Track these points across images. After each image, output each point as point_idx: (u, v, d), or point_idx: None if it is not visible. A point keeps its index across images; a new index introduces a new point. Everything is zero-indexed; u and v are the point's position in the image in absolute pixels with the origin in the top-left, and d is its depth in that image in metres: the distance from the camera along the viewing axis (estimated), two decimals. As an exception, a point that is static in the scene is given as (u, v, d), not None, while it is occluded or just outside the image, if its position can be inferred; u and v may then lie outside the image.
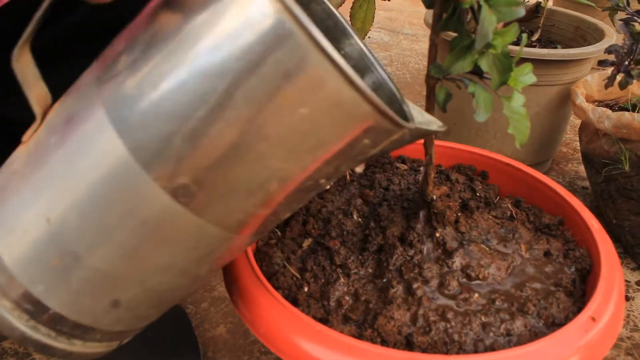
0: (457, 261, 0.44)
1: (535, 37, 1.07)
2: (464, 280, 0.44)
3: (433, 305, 0.42)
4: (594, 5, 1.00)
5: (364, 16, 0.84)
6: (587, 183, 1.03)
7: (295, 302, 0.43)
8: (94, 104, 0.30)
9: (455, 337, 0.40)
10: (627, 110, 0.84)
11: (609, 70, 0.74)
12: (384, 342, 0.40)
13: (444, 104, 0.37)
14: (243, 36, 0.26)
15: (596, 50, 0.90)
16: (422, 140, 0.45)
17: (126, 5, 0.34)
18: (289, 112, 0.27)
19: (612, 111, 0.79)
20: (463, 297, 0.43)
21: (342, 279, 0.45)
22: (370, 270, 0.45)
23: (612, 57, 0.70)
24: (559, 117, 1.00)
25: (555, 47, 1.06)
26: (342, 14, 0.41)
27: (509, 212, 0.52)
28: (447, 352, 0.39)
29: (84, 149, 0.30)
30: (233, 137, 0.28)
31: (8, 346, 0.68)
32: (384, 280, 0.44)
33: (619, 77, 0.73)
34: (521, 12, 0.30)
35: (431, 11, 0.38)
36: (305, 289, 0.44)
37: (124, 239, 0.31)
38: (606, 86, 0.71)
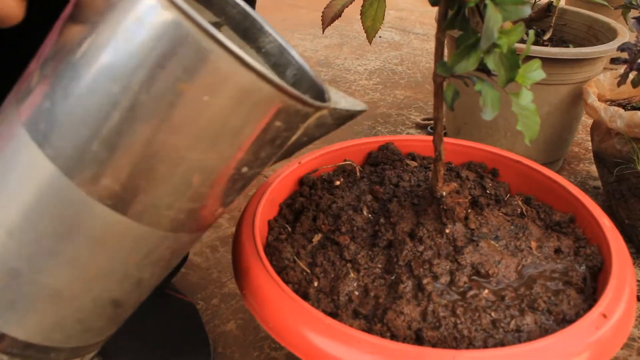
0: (467, 257, 0.44)
1: (547, 37, 1.06)
2: (474, 276, 0.44)
3: (443, 301, 0.42)
4: (606, 4, 0.99)
5: (374, 14, 0.84)
6: (598, 183, 1.02)
7: (305, 297, 0.43)
8: (14, 122, 0.31)
9: (465, 332, 0.40)
10: (640, 109, 0.83)
11: (622, 68, 0.74)
12: (394, 337, 0.40)
13: (451, 102, 0.37)
14: (140, 38, 0.28)
15: (608, 49, 0.89)
16: (431, 137, 0.45)
17: None
18: (195, 105, 0.29)
19: (625, 110, 0.78)
20: (473, 293, 0.43)
21: (352, 274, 0.45)
22: (380, 266, 0.46)
23: (625, 55, 0.70)
24: (570, 117, 0.99)
25: (567, 47, 1.06)
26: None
27: (519, 210, 0.52)
28: (456, 347, 0.39)
29: (10, 166, 0.31)
30: (146, 135, 0.29)
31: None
32: (394, 275, 0.44)
33: (631, 75, 0.72)
34: (527, 11, 0.30)
35: (441, 9, 0.38)
36: (315, 284, 0.45)
37: (61, 248, 0.32)
38: (619, 84, 0.71)
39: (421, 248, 0.45)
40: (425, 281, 0.43)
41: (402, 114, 1.31)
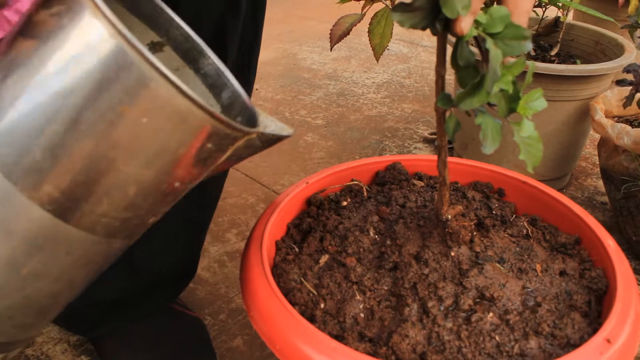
0: (472, 280, 0.45)
1: (554, 52, 1.07)
2: (479, 299, 0.44)
3: (447, 324, 0.42)
4: (612, 19, 1.00)
5: (382, 32, 0.85)
6: (606, 198, 1.02)
7: (312, 319, 0.44)
8: None
9: (469, 356, 0.40)
10: (647, 126, 0.83)
11: (628, 88, 0.74)
12: (399, 360, 0.40)
13: (452, 133, 0.38)
14: (85, 60, 0.30)
15: (615, 66, 0.89)
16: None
17: None
18: (134, 125, 0.31)
19: (632, 127, 0.79)
20: (477, 317, 0.43)
21: (358, 296, 0.45)
22: (385, 288, 0.46)
23: (630, 77, 0.70)
24: (577, 133, 0.99)
25: (575, 62, 1.06)
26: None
27: (524, 231, 0.53)
28: (461, 371, 0.40)
29: None
30: (87, 148, 0.31)
31: (31, 353, 0.70)
32: (399, 298, 0.45)
33: (637, 96, 0.72)
34: (529, 46, 0.30)
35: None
36: (322, 306, 0.45)
37: (2, 250, 0.34)
38: (624, 106, 0.71)
39: (426, 271, 0.46)
40: (430, 304, 0.44)
41: (409, 128, 1.31)
